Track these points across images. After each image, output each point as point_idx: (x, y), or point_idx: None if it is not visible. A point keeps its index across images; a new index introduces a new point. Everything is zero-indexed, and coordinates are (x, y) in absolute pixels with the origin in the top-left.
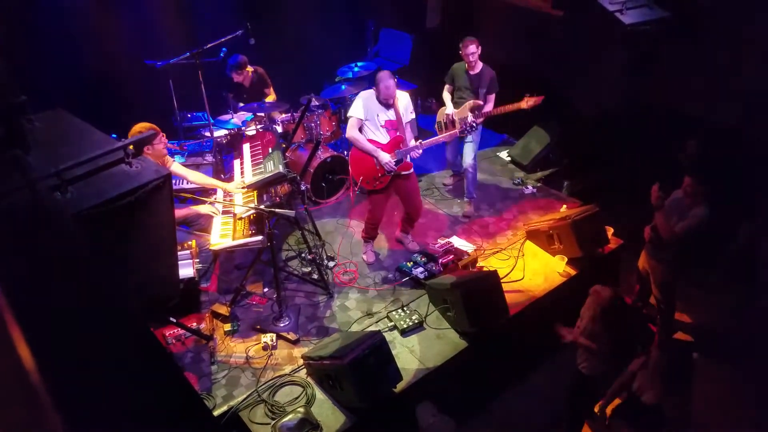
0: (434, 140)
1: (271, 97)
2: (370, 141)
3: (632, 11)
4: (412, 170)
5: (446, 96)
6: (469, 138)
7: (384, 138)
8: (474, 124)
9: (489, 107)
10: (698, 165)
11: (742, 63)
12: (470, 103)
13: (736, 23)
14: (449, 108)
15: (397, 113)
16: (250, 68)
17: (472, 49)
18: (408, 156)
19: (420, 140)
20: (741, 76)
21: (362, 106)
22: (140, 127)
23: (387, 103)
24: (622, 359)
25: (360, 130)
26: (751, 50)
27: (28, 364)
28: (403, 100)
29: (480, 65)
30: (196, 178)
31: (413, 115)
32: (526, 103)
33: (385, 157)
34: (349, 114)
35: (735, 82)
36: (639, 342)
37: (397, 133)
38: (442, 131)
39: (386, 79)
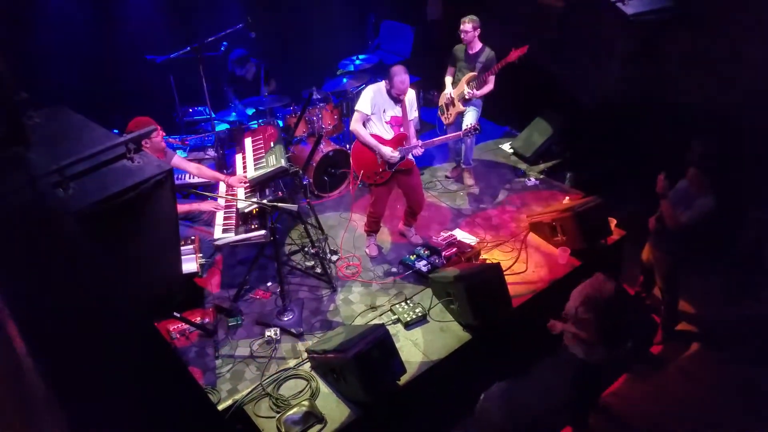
0: (437, 140)
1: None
2: (373, 136)
3: (634, 0)
4: (414, 165)
5: (447, 79)
6: (470, 106)
7: (388, 134)
8: (476, 128)
9: (489, 85)
10: (706, 159)
11: (748, 52)
12: (466, 77)
13: (741, 11)
14: (448, 89)
15: (403, 109)
16: (252, 62)
17: (466, 28)
18: (409, 154)
19: (420, 141)
20: (746, 66)
21: (370, 101)
22: (137, 122)
23: (397, 98)
24: (612, 348)
25: (364, 124)
26: (756, 39)
27: (26, 364)
28: (409, 95)
29: (479, 45)
30: (198, 171)
31: (417, 113)
32: (513, 56)
33: (388, 153)
34: (356, 107)
35: (739, 72)
36: (633, 332)
37: (401, 130)
38: (444, 114)
39: (401, 73)
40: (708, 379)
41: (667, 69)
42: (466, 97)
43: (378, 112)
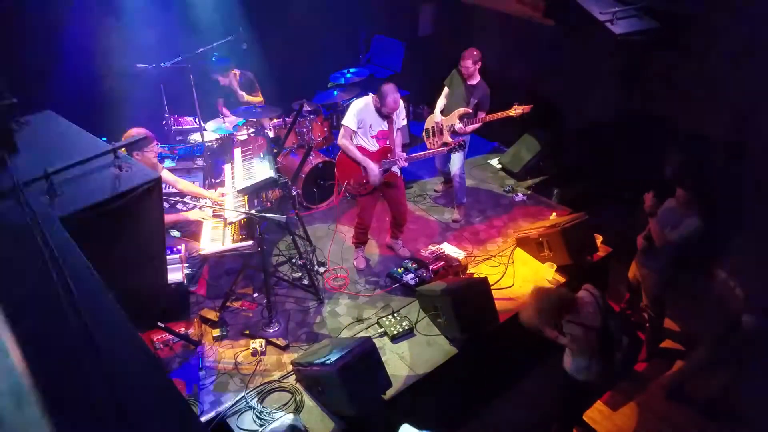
0: (421, 155)
1: (257, 100)
2: (359, 148)
3: (622, 21)
4: (399, 176)
5: (439, 102)
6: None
7: (373, 146)
8: (463, 143)
9: (479, 119)
10: (684, 175)
11: (731, 73)
12: (459, 110)
13: (725, 34)
14: (437, 116)
15: (390, 123)
16: (236, 71)
17: (468, 64)
18: (393, 167)
19: (405, 154)
20: (730, 86)
21: (355, 117)
22: (134, 132)
23: (387, 115)
24: (609, 352)
25: (351, 137)
26: (740, 60)
27: (20, 367)
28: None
29: (477, 78)
30: (183, 186)
31: (405, 121)
32: (515, 111)
33: (375, 170)
34: (342, 122)
35: (724, 92)
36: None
37: (387, 143)
38: (430, 138)
39: (393, 92)
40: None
41: (654, 88)
42: (457, 130)
43: (365, 127)
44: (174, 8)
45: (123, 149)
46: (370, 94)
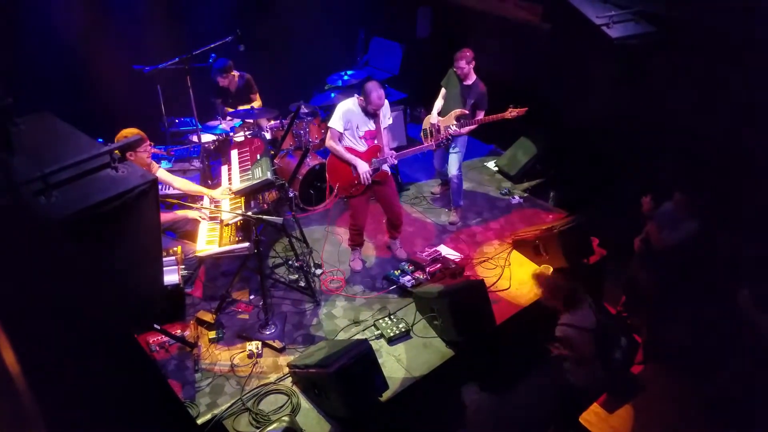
0: (409, 151)
1: (256, 104)
2: (349, 149)
3: (619, 25)
4: (388, 176)
5: (437, 103)
6: (455, 148)
7: (362, 147)
8: (450, 137)
9: (475, 120)
10: (681, 178)
11: (728, 76)
12: (456, 111)
13: (721, 38)
14: (434, 116)
15: (377, 122)
16: (235, 73)
17: (461, 65)
18: (384, 165)
19: (394, 152)
20: (727, 90)
21: (341, 118)
22: (127, 132)
23: (373, 113)
24: (608, 355)
25: (339, 139)
26: (736, 63)
27: (13, 369)
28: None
29: (473, 78)
30: (182, 185)
31: (391, 120)
32: (510, 113)
33: (364, 167)
34: (329, 124)
35: (721, 95)
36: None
37: (375, 142)
38: (428, 139)
39: (377, 89)
40: (687, 400)
41: (650, 91)
42: (452, 132)
43: (351, 128)
44: (171, 9)
45: (116, 150)
46: (355, 95)
